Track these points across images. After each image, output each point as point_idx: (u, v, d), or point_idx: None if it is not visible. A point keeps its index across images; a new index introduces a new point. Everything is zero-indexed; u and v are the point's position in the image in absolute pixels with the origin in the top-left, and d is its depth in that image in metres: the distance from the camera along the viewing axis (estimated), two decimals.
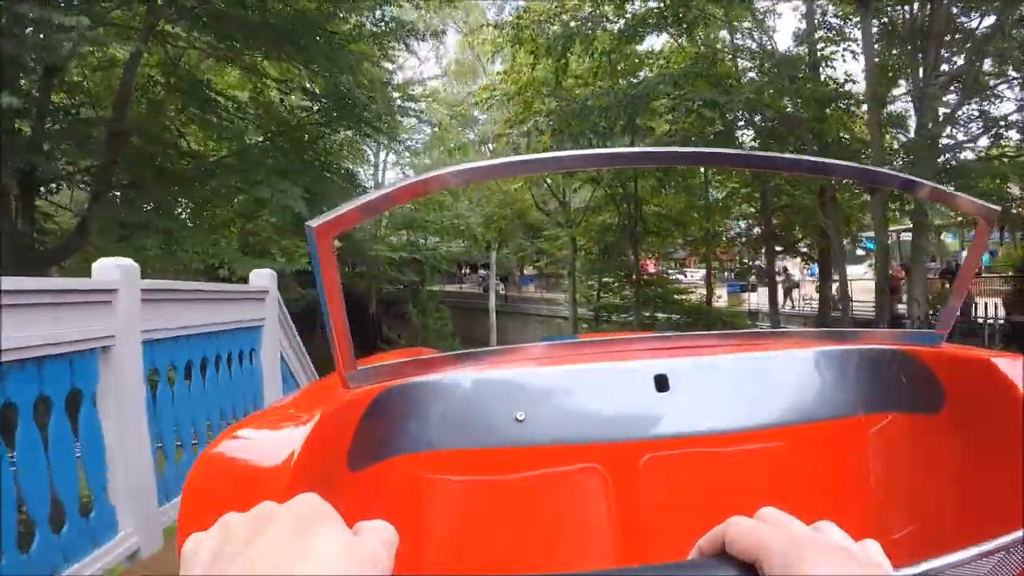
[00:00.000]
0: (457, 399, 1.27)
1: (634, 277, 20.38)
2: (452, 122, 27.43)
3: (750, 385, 1.36)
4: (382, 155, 33.13)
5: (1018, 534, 0.67)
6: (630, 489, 1.25)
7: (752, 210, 20.43)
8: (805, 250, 19.32)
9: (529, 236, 30.04)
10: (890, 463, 1.31)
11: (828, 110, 15.80)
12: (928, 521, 1.22)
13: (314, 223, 0.92)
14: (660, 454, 1.28)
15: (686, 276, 28.10)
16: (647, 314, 20.46)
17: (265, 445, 0.92)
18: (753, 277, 25.04)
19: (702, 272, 24.33)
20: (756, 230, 20.66)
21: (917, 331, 1.42)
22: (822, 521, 0.45)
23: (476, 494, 1.24)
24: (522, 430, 1.27)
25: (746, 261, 24.83)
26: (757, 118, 15.39)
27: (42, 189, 11.19)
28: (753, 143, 17.44)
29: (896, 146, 15.27)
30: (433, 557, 1.18)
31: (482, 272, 40.56)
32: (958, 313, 1.44)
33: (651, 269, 25.24)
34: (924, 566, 0.60)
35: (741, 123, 16.17)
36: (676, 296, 20.71)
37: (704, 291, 22.36)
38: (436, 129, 30.47)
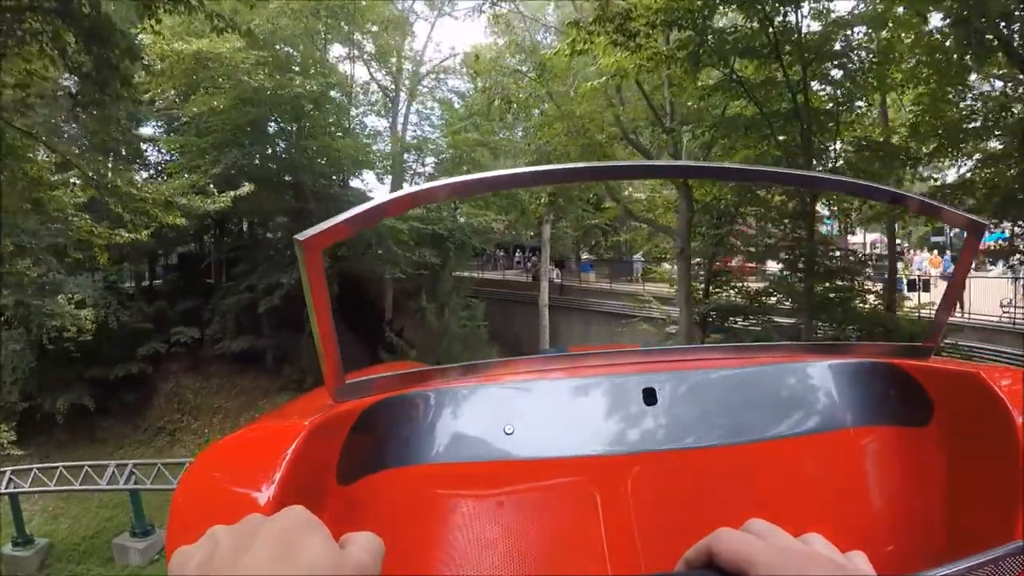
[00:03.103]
0: (445, 412, 1.26)
1: (803, 260, 11.74)
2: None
3: (739, 398, 1.36)
4: (402, 99, 24.99)
5: (1007, 547, 0.69)
6: (618, 502, 1.24)
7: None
8: None
9: (598, 201, 21.54)
10: (878, 476, 1.32)
11: None
12: (917, 534, 1.23)
13: (302, 236, 0.92)
14: (648, 467, 1.27)
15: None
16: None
17: (252, 458, 0.97)
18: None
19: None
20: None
21: (905, 344, 1.45)
22: (809, 533, 0.46)
23: (464, 508, 1.21)
24: (511, 444, 1.25)
25: None
26: None
27: None
28: None
29: None
30: (420, 571, 1.16)
31: (520, 256, 32.65)
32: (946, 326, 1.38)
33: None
34: None
35: None
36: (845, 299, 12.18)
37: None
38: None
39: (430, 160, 25.06)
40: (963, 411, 1.21)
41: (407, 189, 1.06)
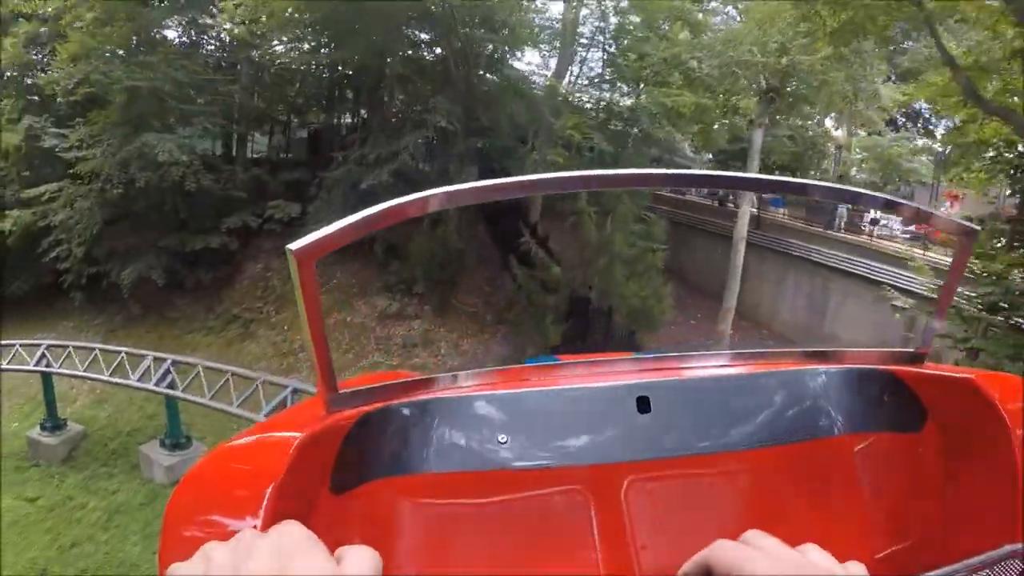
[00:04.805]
0: (439, 422, 1.25)
1: None
2: None
3: (733, 406, 1.34)
4: None
5: (1002, 551, 0.70)
6: (614, 512, 1.23)
7: None
8: None
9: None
10: (874, 483, 1.31)
11: None
12: (913, 540, 1.24)
13: (294, 246, 0.91)
14: (643, 476, 1.26)
15: None
16: None
17: (246, 469, 0.96)
18: None
19: None
20: None
21: (898, 350, 1.41)
22: (806, 544, 0.47)
23: (459, 518, 1.21)
24: (505, 453, 1.24)
25: None
26: None
27: None
28: None
29: None
30: None
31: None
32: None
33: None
34: None
35: None
36: None
37: None
38: None
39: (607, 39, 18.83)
40: (957, 417, 1.22)
41: (398, 199, 0.98)
